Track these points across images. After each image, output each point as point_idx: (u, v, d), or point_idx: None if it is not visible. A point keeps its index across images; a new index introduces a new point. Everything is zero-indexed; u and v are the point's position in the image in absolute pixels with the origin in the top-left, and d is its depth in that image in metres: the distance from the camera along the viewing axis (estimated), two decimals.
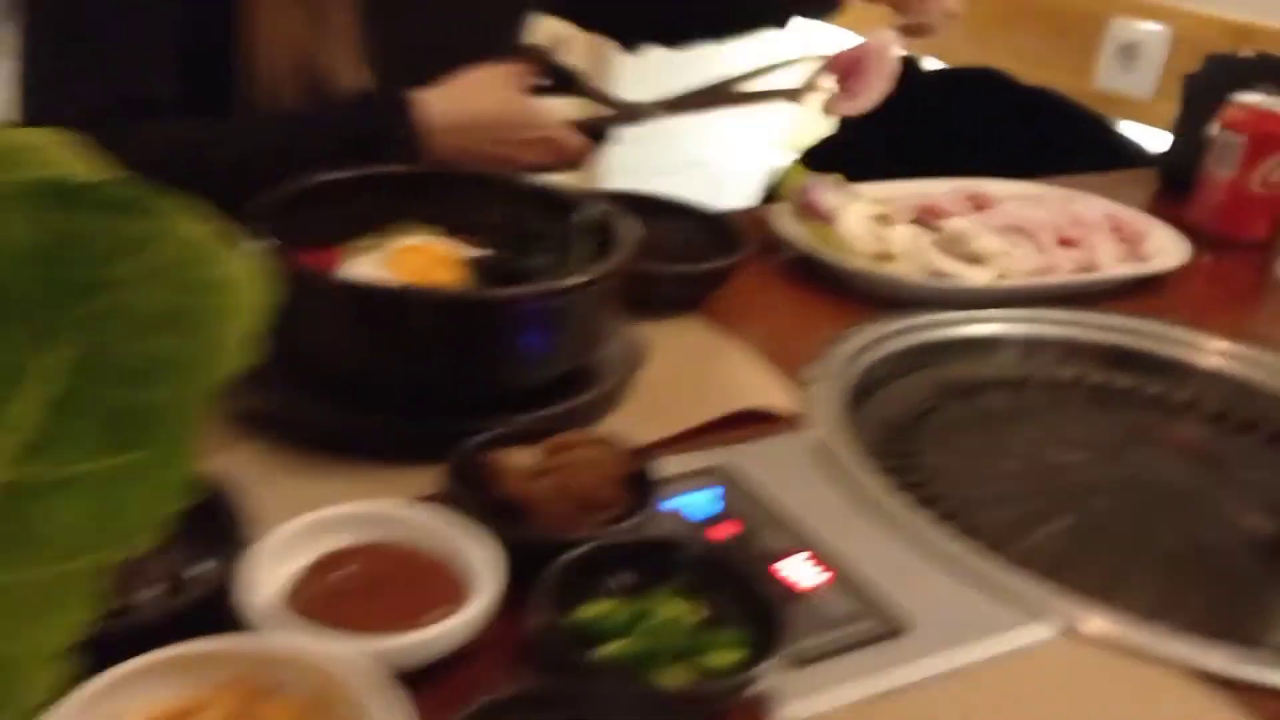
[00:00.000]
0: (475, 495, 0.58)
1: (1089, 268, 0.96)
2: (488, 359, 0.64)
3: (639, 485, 0.60)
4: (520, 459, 0.60)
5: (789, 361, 0.82)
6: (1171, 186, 1.25)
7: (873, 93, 1.00)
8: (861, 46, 0.99)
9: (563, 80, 0.97)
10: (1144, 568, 0.66)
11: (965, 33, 1.86)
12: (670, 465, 0.68)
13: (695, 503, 0.65)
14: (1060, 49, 1.69)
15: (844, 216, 0.95)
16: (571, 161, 0.95)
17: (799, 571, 0.59)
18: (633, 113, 0.99)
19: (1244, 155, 1.06)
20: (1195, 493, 0.74)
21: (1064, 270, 0.96)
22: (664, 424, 0.70)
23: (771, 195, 1.42)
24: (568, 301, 0.65)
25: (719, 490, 0.65)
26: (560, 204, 0.74)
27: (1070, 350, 0.91)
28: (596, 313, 0.68)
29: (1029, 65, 1.69)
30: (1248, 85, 1.13)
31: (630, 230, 0.70)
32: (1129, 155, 1.40)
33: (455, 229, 0.75)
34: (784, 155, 2.52)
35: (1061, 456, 0.77)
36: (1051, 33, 1.71)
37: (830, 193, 1.01)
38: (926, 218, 0.98)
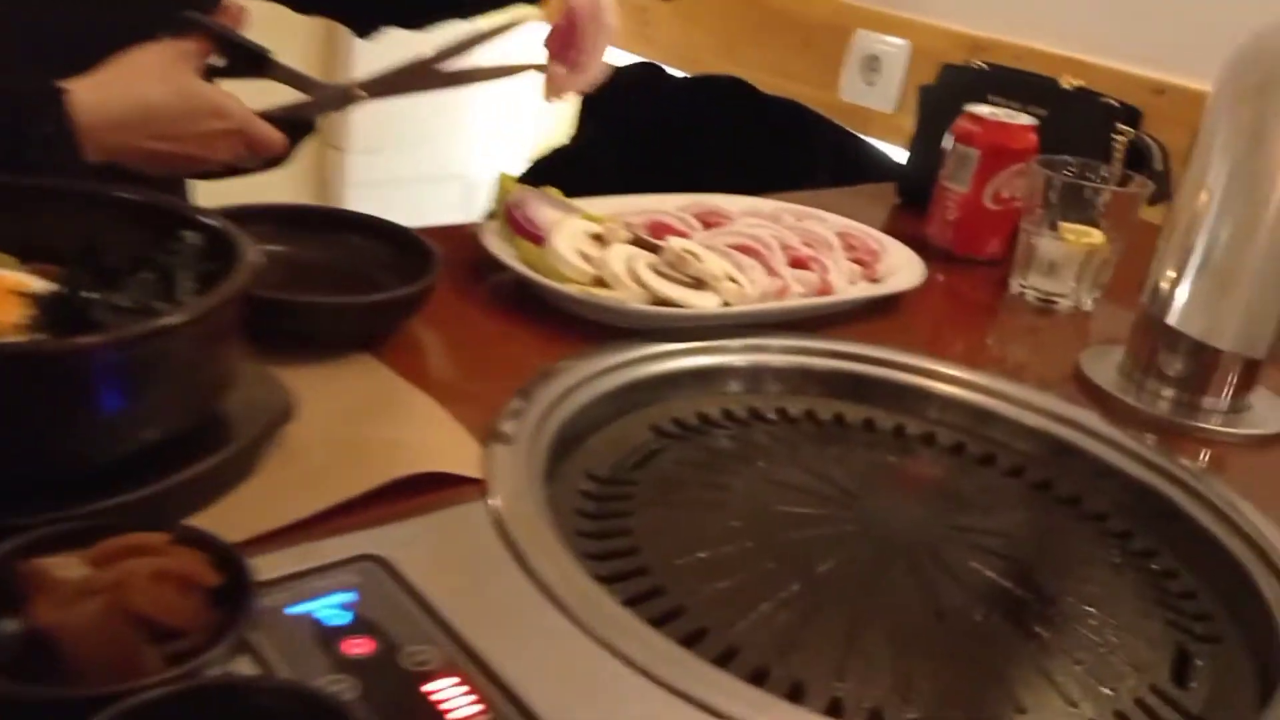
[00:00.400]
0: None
1: (823, 290, 0.89)
2: (34, 429, 0.48)
3: (234, 592, 0.45)
4: (68, 571, 0.45)
5: (486, 407, 0.69)
6: (910, 201, 1.20)
7: (592, 62, 0.89)
8: (570, 11, 0.88)
9: (247, 59, 0.81)
10: (874, 645, 0.57)
11: (713, 44, 1.80)
12: (308, 555, 0.54)
13: (333, 607, 0.51)
14: (807, 61, 1.64)
15: (556, 235, 0.84)
16: (268, 158, 0.80)
17: (450, 701, 0.46)
18: (334, 96, 0.85)
19: (977, 169, 1.01)
20: (932, 543, 0.65)
21: (796, 293, 0.87)
22: (301, 501, 0.56)
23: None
24: (150, 351, 0.50)
25: (352, 593, 0.51)
26: (161, 222, 0.58)
27: (802, 381, 0.82)
28: (197, 363, 0.53)
29: (776, 77, 1.64)
30: (981, 97, 1.10)
31: (249, 254, 0.56)
32: (875, 169, 1.36)
33: (28, 253, 0.59)
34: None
35: (790, 506, 0.68)
36: (798, 44, 1.67)
37: (543, 208, 0.89)
38: (651, 236, 0.88)
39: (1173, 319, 0.56)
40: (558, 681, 0.48)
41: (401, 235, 0.80)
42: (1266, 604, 0.62)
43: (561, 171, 0.98)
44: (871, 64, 1.57)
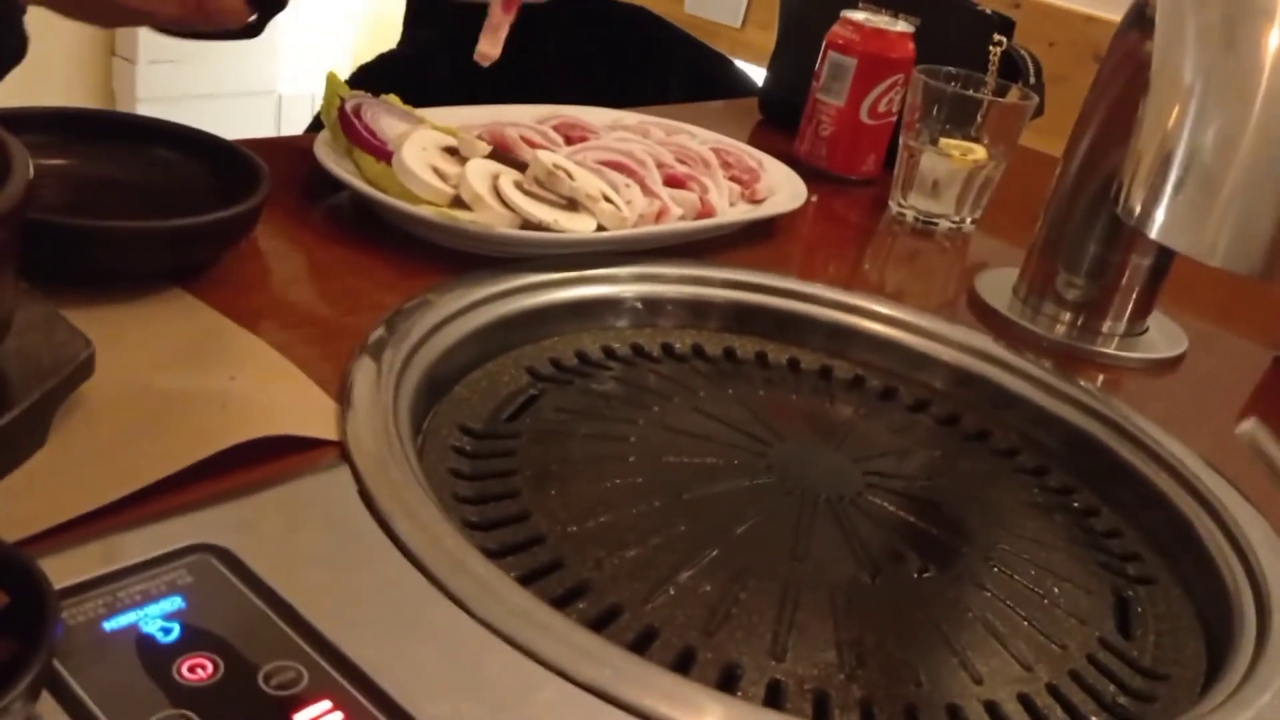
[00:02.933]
0: None
1: (704, 212, 0.80)
2: None
3: (27, 614, 0.34)
4: None
5: (332, 352, 0.58)
6: (773, 118, 1.13)
7: None
8: None
9: None
10: (809, 615, 0.50)
11: None
12: (121, 551, 0.42)
13: (160, 617, 0.40)
14: None
15: (405, 148, 0.72)
16: (216, 19, 0.68)
17: None
18: None
19: (853, 81, 0.95)
20: (853, 493, 0.59)
21: (675, 215, 0.79)
22: (106, 479, 0.44)
23: (315, 124, 1.15)
24: None
25: (177, 599, 0.40)
26: None
27: (691, 314, 0.74)
28: None
29: None
30: (849, 3, 1.02)
31: (22, 165, 0.42)
32: (730, 85, 1.28)
33: None
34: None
35: (695, 457, 0.60)
36: None
37: (385, 117, 0.77)
38: (508, 152, 0.77)
39: (1156, 233, 0.50)
40: (455, 690, 0.39)
41: (219, 148, 0.67)
42: (1197, 537, 0.59)
43: (391, 81, 0.86)
44: None
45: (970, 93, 0.90)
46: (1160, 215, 0.49)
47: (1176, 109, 0.46)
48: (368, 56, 1.29)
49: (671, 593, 0.50)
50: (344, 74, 1.43)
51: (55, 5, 0.68)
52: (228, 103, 2.06)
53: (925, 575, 0.54)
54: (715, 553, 0.52)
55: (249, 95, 2.10)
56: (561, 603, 0.48)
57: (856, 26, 0.95)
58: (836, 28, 0.96)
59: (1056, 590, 0.55)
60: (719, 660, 0.47)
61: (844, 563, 0.54)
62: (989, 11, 1.03)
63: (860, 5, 1.00)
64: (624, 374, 0.68)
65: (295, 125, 2.17)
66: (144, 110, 2.03)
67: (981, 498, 0.63)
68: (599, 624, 0.48)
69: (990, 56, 1.00)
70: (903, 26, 0.96)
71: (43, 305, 0.50)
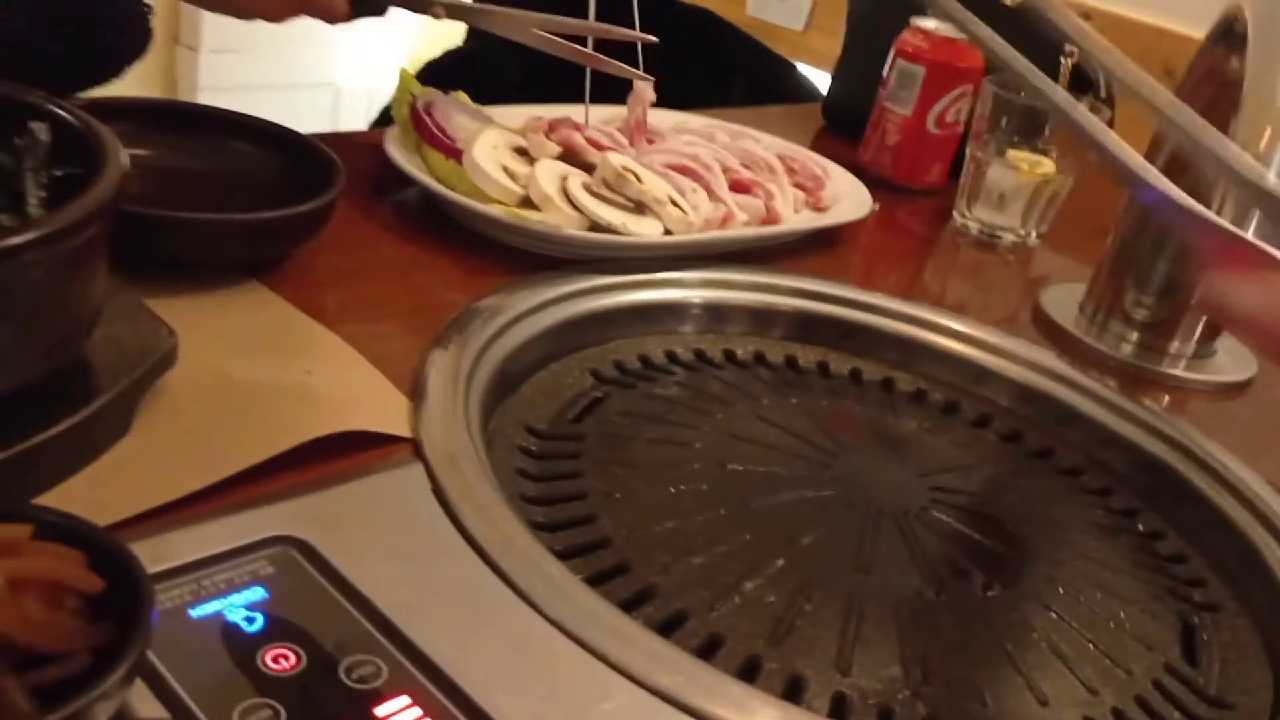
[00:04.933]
0: None
1: (768, 218, 0.80)
2: None
3: (122, 599, 0.35)
4: None
5: (402, 348, 0.59)
6: (836, 126, 1.13)
7: None
8: None
9: None
10: (874, 628, 0.50)
11: None
12: (206, 539, 0.43)
13: (243, 606, 0.40)
14: None
15: (476, 147, 0.72)
16: (320, 16, 0.73)
17: None
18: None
19: (921, 89, 0.94)
20: (918, 507, 0.58)
21: (739, 221, 0.79)
22: (190, 468, 0.45)
23: (382, 119, 1.16)
24: None
25: (263, 587, 0.41)
26: (2, 112, 0.45)
27: (755, 321, 0.74)
28: (56, 293, 0.41)
29: None
30: (916, 11, 1.02)
31: (116, 158, 0.43)
32: (792, 90, 1.27)
33: None
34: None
35: (759, 466, 0.60)
36: None
37: (456, 114, 0.77)
38: (576, 152, 0.78)
39: None
40: (529, 691, 0.40)
41: (295, 141, 0.68)
42: (1265, 564, 0.58)
43: (457, 77, 0.86)
44: None
45: (1040, 104, 0.90)
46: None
47: (1269, 131, 0.46)
48: (425, 52, 1.30)
49: (737, 601, 0.50)
50: (409, 61, 1.44)
51: None
52: (285, 94, 2.08)
53: (990, 593, 0.54)
54: (781, 563, 0.52)
55: (306, 87, 2.12)
56: (628, 606, 0.49)
57: (926, 34, 0.94)
58: (905, 35, 0.96)
59: (1122, 614, 0.55)
60: (784, 671, 0.47)
61: (908, 577, 0.53)
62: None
63: (929, 12, 0.99)
64: (687, 379, 0.68)
65: (351, 118, 2.19)
66: (204, 99, 2.06)
67: (1045, 516, 0.62)
68: (665, 629, 0.48)
69: (1061, 68, 0.99)
70: None
71: (126, 294, 0.51)
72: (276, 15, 0.74)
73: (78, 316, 0.43)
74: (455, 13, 0.80)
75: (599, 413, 0.63)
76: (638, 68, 0.85)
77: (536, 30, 0.78)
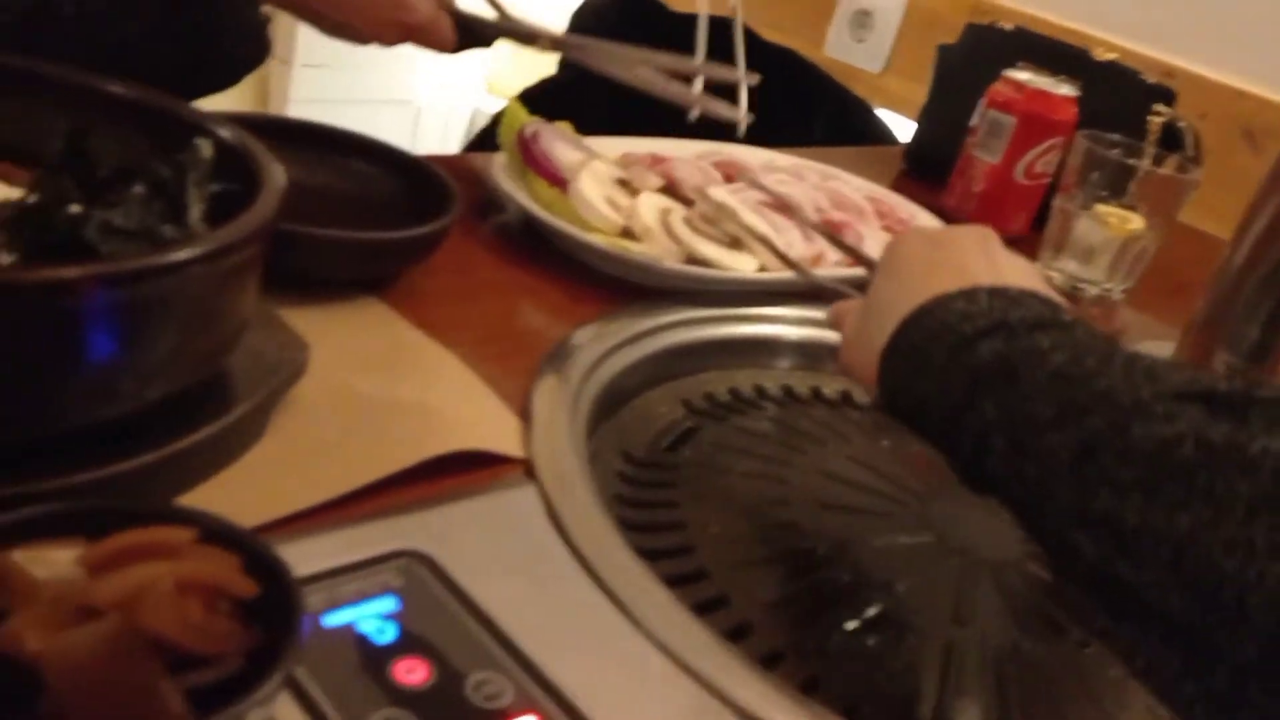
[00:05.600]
0: None
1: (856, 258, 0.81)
2: (4, 380, 0.38)
3: (272, 605, 0.36)
4: (54, 569, 0.35)
5: (510, 370, 0.60)
6: (918, 170, 1.13)
7: None
8: None
9: None
10: (972, 681, 0.50)
11: None
12: (338, 549, 0.44)
13: (375, 617, 0.42)
14: (794, 9, 1.56)
15: (583, 178, 0.74)
16: (429, 46, 0.75)
17: None
18: (524, 31, 0.81)
19: (1012, 139, 0.95)
20: (1015, 560, 0.59)
21: (830, 261, 0.79)
22: (322, 478, 0.46)
23: (479, 143, 1.19)
24: (159, 289, 0.39)
25: (393, 598, 0.42)
26: (165, 127, 0.47)
27: None
28: (215, 306, 0.43)
29: (763, 26, 1.55)
30: (1006, 62, 1.03)
31: (274, 176, 0.45)
32: (871, 132, 1.28)
33: None
34: (490, 97, 2.25)
35: (854, 505, 0.61)
36: None
37: (560, 145, 0.79)
38: (676, 186, 0.79)
39: None
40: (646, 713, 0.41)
41: (411, 164, 0.70)
42: None
43: (551, 106, 0.88)
44: (862, 19, 1.50)
45: (1131, 161, 0.90)
46: None
47: None
48: (503, 76, 1.32)
49: (837, 641, 0.51)
50: (481, 91, 1.46)
51: (288, 6, 0.73)
52: (369, 109, 2.12)
53: (1088, 650, 0.54)
54: (879, 607, 0.53)
55: (389, 104, 2.16)
56: (731, 638, 0.49)
57: (1019, 86, 0.95)
58: (998, 85, 0.96)
59: None
60: (883, 718, 0.47)
61: (1006, 630, 0.54)
62: (1151, 80, 1.02)
63: (1020, 65, 1.00)
64: (778, 414, 0.69)
65: (430, 137, 2.22)
66: (294, 112, 2.11)
67: None
68: (765, 664, 0.48)
69: (1149, 126, 0.99)
70: (1066, 90, 0.96)
71: (261, 305, 0.53)
72: (390, 42, 0.76)
73: (231, 330, 0.44)
74: (560, 46, 0.82)
75: (693, 443, 0.64)
76: (735, 105, 0.86)
77: (640, 70, 0.79)
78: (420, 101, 2.14)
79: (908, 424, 0.49)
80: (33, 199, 0.42)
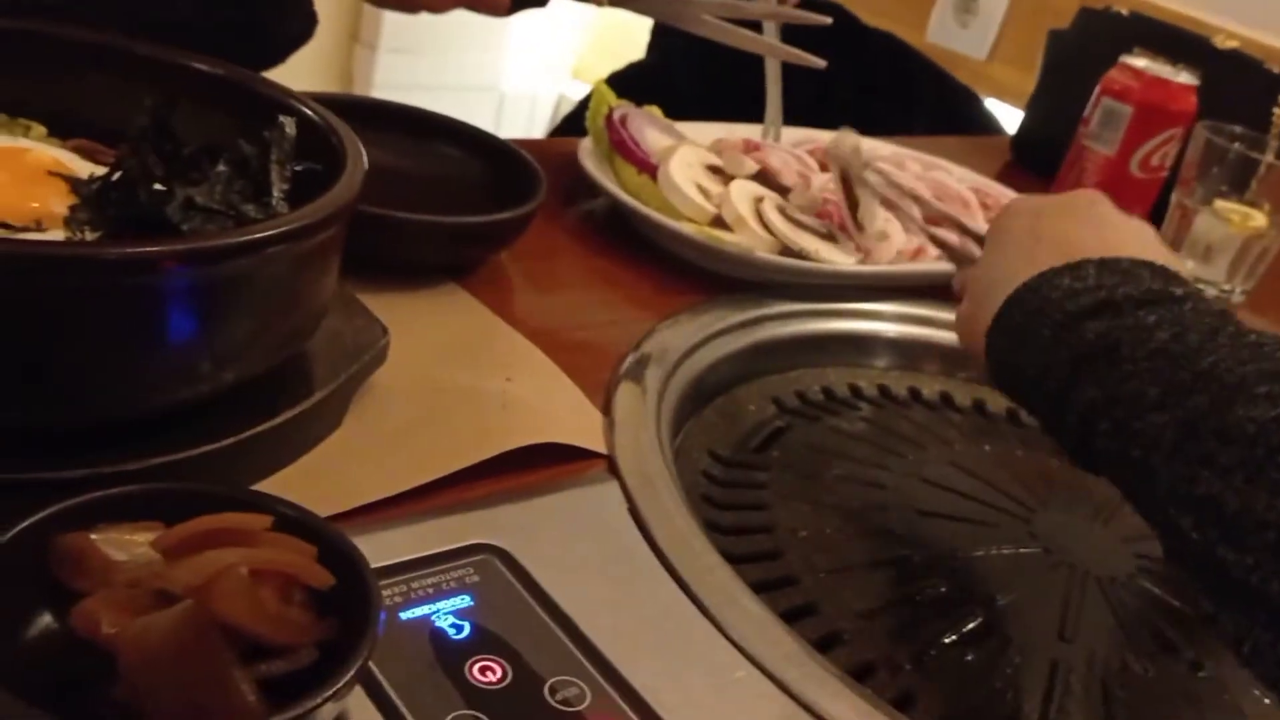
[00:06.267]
0: (18, 638, 0.31)
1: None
2: (76, 360, 0.37)
3: (348, 597, 0.35)
4: (129, 553, 0.34)
5: (592, 362, 0.58)
6: (1025, 160, 1.09)
7: None
8: None
9: None
10: (1078, 703, 0.47)
11: None
12: (413, 542, 0.43)
13: (451, 613, 0.40)
14: None
15: (672, 164, 0.72)
16: (482, 10, 0.72)
17: None
18: None
19: (1128, 130, 0.90)
20: (1125, 575, 0.55)
21: (932, 255, 0.76)
22: (400, 467, 0.45)
23: (565, 128, 1.17)
24: (241, 268, 0.38)
25: (468, 595, 0.40)
26: (250, 105, 0.46)
27: (945, 360, 0.72)
28: (297, 287, 0.42)
29: (863, 10, 1.51)
30: (1121, 49, 0.97)
31: (357, 156, 0.44)
32: (976, 122, 1.24)
33: (72, 126, 0.47)
34: (576, 82, 2.24)
35: (953, 514, 0.58)
36: None
37: (649, 130, 0.77)
38: (772, 174, 0.76)
39: None
40: None
41: (497, 148, 0.68)
42: None
43: (640, 90, 0.86)
44: (967, 4, 1.45)
45: (1254, 154, 0.85)
46: None
47: None
48: (590, 61, 1.30)
49: (934, 654, 0.48)
50: (567, 77, 1.44)
51: None
52: (454, 95, 2.13)
53: (1201, 673, 0.50)
54: (979, 620, 0.50)
55: (475, 90, 2.16)
56: (819, 649, 0.47)
57: (1136, 73, 0.90)
58: (1114, 73, 0.91)
59: None
60: None
61: (1115, 648, 0.50)
62: (1276, 70, 0.96)
63: (1137, 51, 0.94)
64: (873, 415, 0.66)
65: (514, 123, 2.22)
66: (377, 95, 2.12)
67: None
68: (858, 677, 0.46)
69: (1274, 118, 0.94)
70: (1185, 78, 0.90)
71: (342, 289, 0.52)
72: (441, 8, 0.73)
73: (312, 311, 0.43)
74: (620, 1, 0.77)
75: (783, 443, 0.62)
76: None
77: (708, 17, 0.76)
78: (505, 87, 2.14)
79: (1017, 401, 0.49)
80: (116, 176, 0.42)
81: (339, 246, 0.44)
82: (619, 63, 1.26)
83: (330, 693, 0.31)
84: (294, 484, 0.43)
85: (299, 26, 0.76)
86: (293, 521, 0.35)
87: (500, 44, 2.15)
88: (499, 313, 0.60)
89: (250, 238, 0.38)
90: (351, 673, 0.32)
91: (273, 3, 0.71)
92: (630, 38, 1.58)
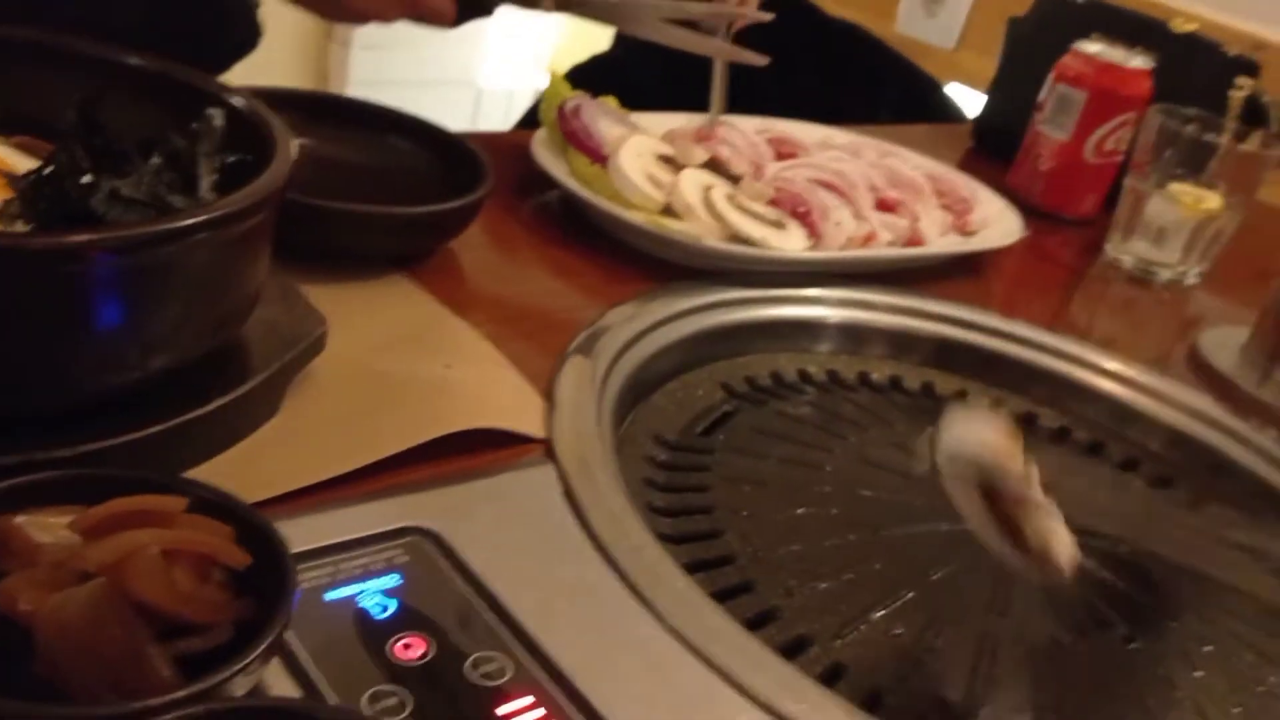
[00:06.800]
0: None
1: (912, 239, 0.78)
2: (8, 347, 0.38)
3: (266, 576, 0.35)
4: (51, 535, 0.35)
5: (538, 349, 0.59)
6: (987, 148, 1.10)
7: None
8: None
9: None
10: (1007, 672, 0.48)
11: None
12: (342, 524, 0.44)
13: (377, 593, 0.41)
14: None
15: (622, 153, 0.73)
16: (428, 20, 0.72)
17: None
18: None
19: (1081, 115, 0.91)
20: None
21: (883, 241, 0.77)
22: (333, 452, 0.46)
23: (528, 121, 1.18)
24: (166, 256, 0.39)
25: (396, 575, 0.41)
26: (183, 98, 0.47)
27: (891, 345, 0.73)
28: (224, 274, 0.42)
29: (829, 1, 1.51)
30: (1079, 34, 0.98)
31: (286, 147, 0.45)
32: (940, 110, 1.25)
33: (15, 123, 0.47)
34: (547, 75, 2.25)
35: (891, 494, 0.58)
36: None
37: (602, 120, 0.78)
38: (722, 162, 0.77)
39: None
40: (653, 706, 0.39)
41: (445, 140, 0.69)
42: None
43: (602, 82, 0.87)
44: None
45: (1209, 137, 0.85)
46: None
47: None
48: (567, 56, 1.31)
49: (863, 630, 0.49)
50: (545, 72, 1.45)
51: None
52: (430, 91, 2.13)
53: (1132, 645, 0.51)
54: (910, 595, 0.51)
55: (449, 85, 2.17)
56: (750, 626, 0.48)
57: (1089, 59, 0.91)
58: (1067, 59, 0.92)
59: (1275, 680, 0.51)
60: (908, 708, 0.45)
61: (1046, 622, 0.51)
62: (1232, 53, 0.97)
63: (1092, 37, 0.95)
64: (819, 400, 0.67)
65: (491, 118, 2.23)
66: (353, 93, 2.12)
67: (1196, 571, 0.59)
68: (787, 653, 0.47)
69: (1230, 101, 0.94)
70: (1139, 62, 0.91)
71: (280, 279, 0.53)
72: (387, 17, 0.74)
73: (241, 299, 0.44)
74: (565, 5, 0.78)
75: (729, 427, 0.63)
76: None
77: (655, 21, 0.77)
78: (481, 82, 2.15)
79: None
80: (47, 170, 0.42)
81: (268, 235, 0.44)
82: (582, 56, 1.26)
83: (240, 666, 0.32)
84: (227, 470, 0.44)
85: (242, 35, 0.77)
86: (210, 504, 0.36)
87: (476, 39, 2.15)
88: (448, 302, 0.61)
89: (169, 226, 0.39)
90: (263, 647, 0.33)
91: (216, 12, 0.71)
92: (607, 32, 1.59)
